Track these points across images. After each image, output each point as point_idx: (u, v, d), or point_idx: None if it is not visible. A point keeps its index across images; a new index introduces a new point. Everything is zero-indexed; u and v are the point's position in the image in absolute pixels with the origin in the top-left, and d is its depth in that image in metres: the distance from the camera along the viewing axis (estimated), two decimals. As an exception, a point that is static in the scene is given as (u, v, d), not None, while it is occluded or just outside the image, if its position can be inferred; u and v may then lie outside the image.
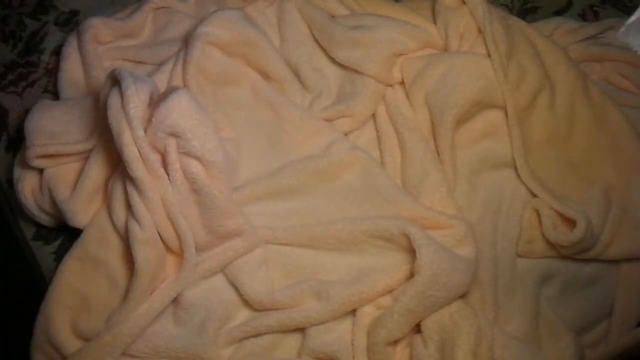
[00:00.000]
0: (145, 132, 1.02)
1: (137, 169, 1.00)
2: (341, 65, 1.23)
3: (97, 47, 1.24)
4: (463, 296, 1.05)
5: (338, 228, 1.07)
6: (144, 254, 1.01)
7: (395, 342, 1.03)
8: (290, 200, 1.11)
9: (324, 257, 1.08)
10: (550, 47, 1.24)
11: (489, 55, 1.18)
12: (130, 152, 1.00)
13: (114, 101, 1.01)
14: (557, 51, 1.24)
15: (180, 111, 1.01)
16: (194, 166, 1.02)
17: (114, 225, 1.07)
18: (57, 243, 1.16)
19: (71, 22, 1.32)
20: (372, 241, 1.06)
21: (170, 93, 1.03)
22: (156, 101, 1.04)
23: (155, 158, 1.02)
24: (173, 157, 1.02)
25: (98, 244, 1.07)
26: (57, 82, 1.25)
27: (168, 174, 1.03)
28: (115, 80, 1.04)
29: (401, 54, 1.22)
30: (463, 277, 1.02)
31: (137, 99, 1.00)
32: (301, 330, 1.05)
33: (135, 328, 1.01)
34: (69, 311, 1.05)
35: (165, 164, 1.03)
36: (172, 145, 1.02)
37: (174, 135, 1.01)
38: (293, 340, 1.06)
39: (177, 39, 1.24)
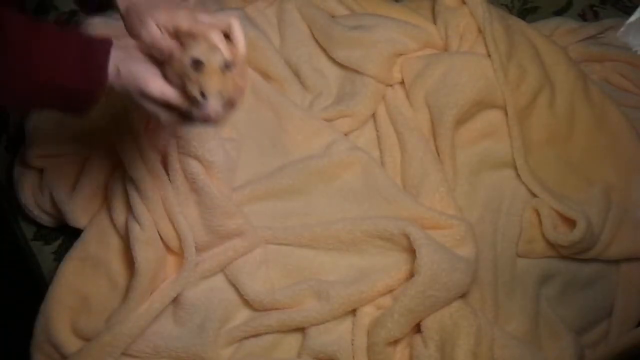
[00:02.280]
0: (145, 132, 1.02)
1: (137, 169, 1.00)
2: (341, 65, 1.23)
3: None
4: (463, 296, 1.05)
5: (338, 228, 1.07)
6: (144, 253, 1.01)
7: (395, 342, 1.03)
8: (290, 200, 1.11)
9: (324, 257, 1.08)
10: (550, 47, 1.24)
11: (489, 55, 1.18)
12: (133, 153, 1.00)
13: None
14: (557, 51, 1.25)
15: None
16: (194, 166, 1.02)
17: (114, 225, 1.07)
18: (57, 243, 1.16)
19: (71, 22, 1.32)
20: (372, 241, 1.06)
21: None
22: None
23: (155, 158, 1.02)
24: (173, 157, 1.02)
25: (98, 244, 1.07)
26: (57, 82, 1.25)
27: (168, 174, 1.03)
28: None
29: (401, 54, 1.22)
30: (463, 277, 1.02)
31: None
32: (301, 330, 1.05)
33: (135, 328, 1.01)
34: (69, 311, 1.05)
35: (165, 164, 1.03)
36: (172, 145, 1.02)
37: (174, 135, 1.02)
38: (293, 340, 1.06)
39: (177, 39, 1.24)
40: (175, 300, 1.05)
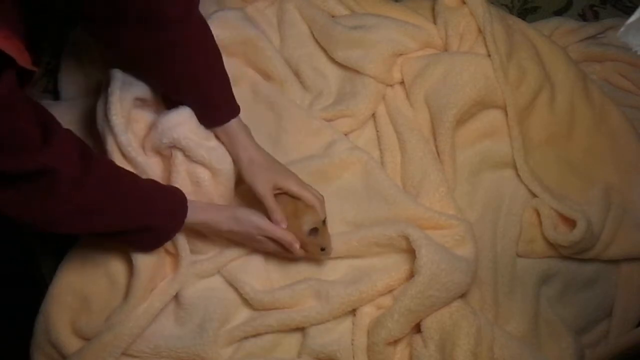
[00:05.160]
0: (147, 133, 1.02)
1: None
2: (341, 65, 1.23)
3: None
4: (463, 296, 1.05)
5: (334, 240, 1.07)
6: (141, 254, 1.01)
7: (395, 342, 1.03)
8: (290, 200, 1.11)
9: (324, 257, 1.09)
10: (550, 47, 1.24)
11: (489, 55, 1.18)
12: (115, 158, 1.00)
13: (100, 106, 1.02)
14: (557, 51, 1.25)
15: (188, 128, 1.01)
16: (201, 172, 1.02)
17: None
18: (57, 243, 1.16)
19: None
20: (369, 249, 1.06)
21: (177, 106, 1.03)
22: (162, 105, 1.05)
23: (144, 160, 1.01)
24: (179, 159, 1.02)
25: (98, 244, 1.07)
26: (57, 82, 1.25)
27: (170, 176, 1.03)
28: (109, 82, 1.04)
29: (401, 54, 1.22)
30: (463, 277, 1.02)
31: (119, 105, 1.00)
32: (301, 330, 1.05)
33: (135, 327, 1.01)
34: (69, 311, 1.05)
35: (170, 166, 1.03)
36: (177, 150, 1.02)
37: (180, 147, 1.01)
38: (293, 340, 1.06)
39: (177, 39, 1.24)
40: (175, 300, 1.05)
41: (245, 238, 1.03)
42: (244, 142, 1.03)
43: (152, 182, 1.00)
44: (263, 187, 1.02)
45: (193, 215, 0.99)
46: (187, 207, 0.98)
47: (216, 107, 1.03)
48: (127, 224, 0.94)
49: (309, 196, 1.03)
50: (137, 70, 1.02)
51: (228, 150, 1.04)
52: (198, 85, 1.00)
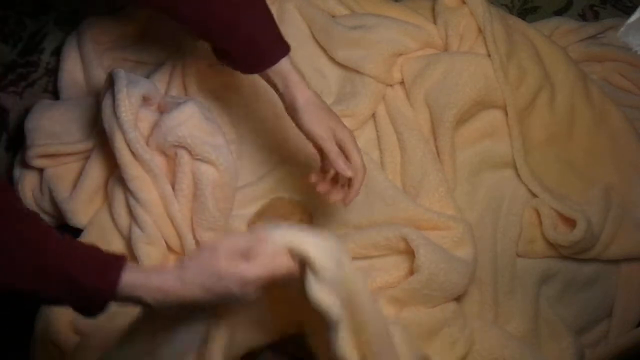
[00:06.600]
0: (151, 133, 1.02)
1: (130, 172, 1.00)
2: (341, 65, 1.23)
3: (97, 47, 1.24)
4: (460, 298, 1.05)
5: None
6: (146, 251, 1.01)
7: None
8: (290, 200, 1.11)
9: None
10: (550, 47, 1.24)
11: (489, 55, 1.18)
12: (123, 155, 1.00)
13: (107, 104, 1.02)
14: (557, 51, 1.25)
15: (192, 124, 1.01)
16: (206, 170, 1.02)
17: (115, 225, 1.07)
18: (57, 243, 1.16)
19: (71, 22, 1.32)
20: (367, 251, 1.06)
21: (180, 104, 1.03)
22: (164, 104, 1.04)
23: (150, 157, 1.01)
24: (185, 159, 1.01)
25: (98, 243, 1.06)
26: (57, 82, 1.25)
27: (175, 176, 1.03)
28: (112, 81, 1.04)
29: (401, 54, 1.22)
30: (460, 278, 1.02)
31: (127, 102, 1.00)
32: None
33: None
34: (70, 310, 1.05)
35: (174, 165, 1.03)
36: (184, 149, 1.02)
37: (184, 146, 1.01)
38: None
39: (177, 38, 1.24)
40: (175, 300, 1.05)
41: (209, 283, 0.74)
42: (298, 81, 0.96)
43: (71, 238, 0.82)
44: (323, 129, 0.95)
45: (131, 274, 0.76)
46: (124, 261, 0.77)
47: (263, 48, 0.96)
48: (40, 273, 0.74)
49: (358, 161, 0.96)
50: (175, 19, 0.97)
51: (281, 93, 0.97)
52: (239, 27, 0.94)
